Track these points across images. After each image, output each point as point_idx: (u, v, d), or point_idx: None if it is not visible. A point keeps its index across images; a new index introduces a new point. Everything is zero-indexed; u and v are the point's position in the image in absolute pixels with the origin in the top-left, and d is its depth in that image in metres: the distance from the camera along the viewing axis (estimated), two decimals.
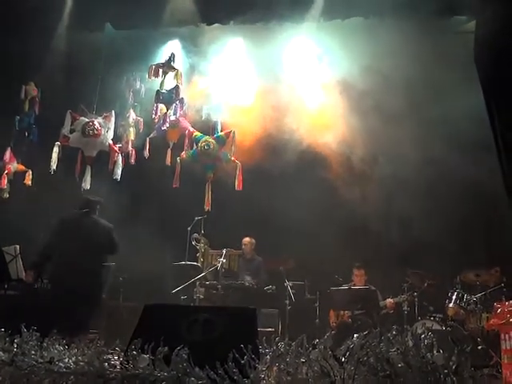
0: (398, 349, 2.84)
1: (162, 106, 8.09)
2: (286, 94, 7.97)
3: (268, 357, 3.02)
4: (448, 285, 7.00)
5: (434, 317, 6.89)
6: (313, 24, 7.83)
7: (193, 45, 8.29)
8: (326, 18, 7.82)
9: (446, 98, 6.90)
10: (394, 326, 3.02)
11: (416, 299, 7.04)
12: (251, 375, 2.88)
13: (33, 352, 3.13)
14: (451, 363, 2.76)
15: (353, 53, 7.50)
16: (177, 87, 8.11)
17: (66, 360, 3.06)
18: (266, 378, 2.94)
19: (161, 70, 8.10)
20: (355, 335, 3.04)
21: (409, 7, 6.84)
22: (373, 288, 7.22)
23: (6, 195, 8.18)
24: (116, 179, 8.15)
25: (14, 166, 8.25)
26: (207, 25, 8.19)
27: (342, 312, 7.36)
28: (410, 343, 2.92)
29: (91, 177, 8.14)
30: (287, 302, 7.35)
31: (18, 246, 5.08)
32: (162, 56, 8.29)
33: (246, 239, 8.10)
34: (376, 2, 7.15)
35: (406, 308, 7.04)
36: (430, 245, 7.15)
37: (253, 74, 8.26)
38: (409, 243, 7.26)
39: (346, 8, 7.59)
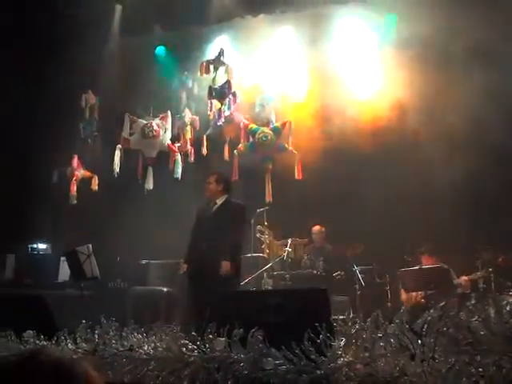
0: (478, 316, 2.73)
1: (215, 102, 8.17)
2: (339, 77, 7.88)
3: (344, 335, 2.98)
4: None
5: None
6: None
7: (241, 38, 8.33)
8: None
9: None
10: (473, 294, 2.91)
11: (492, 275, 6.75)
12: (328, 353, 2.85)
13: (113, 341, 3.24)
14: None
15: (402, 22, 7.36)
16: (228, 82, 8.16)
17: (146, 347, 3.14)
18: (344, 355, 2.90)
19: (211, 66, 8.19)
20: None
21: None
22: (445, 267, 6.99)
23: (75, 201, 8.51)
24: (177, 178, 8.32)
25: (81, 172, 8.60)
26: (253, 16, 8.23)
27: (414, 294, 7.18)
28: (491, 311, 2.81)
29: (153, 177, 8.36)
30: (357, 286, 7.24)
31: (90, 245, 5.24)
32: (211, 52, 8.38)
33: (316, 227, 7.94)
34: None
35: (482, 285, 6.75)
36: (497, 216, 6.85)
37: (304, 62, 8.21)
38: (477, 217, 6.99)
39: None
